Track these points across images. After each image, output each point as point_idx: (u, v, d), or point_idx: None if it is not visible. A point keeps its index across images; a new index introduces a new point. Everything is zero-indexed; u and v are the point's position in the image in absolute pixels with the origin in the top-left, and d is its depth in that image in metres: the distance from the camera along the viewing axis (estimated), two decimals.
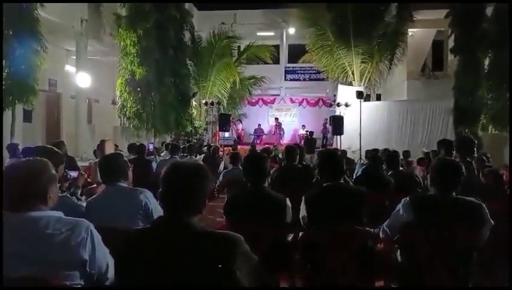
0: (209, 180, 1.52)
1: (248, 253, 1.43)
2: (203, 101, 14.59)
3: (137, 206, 2.47)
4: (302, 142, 15.20)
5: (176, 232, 1.39)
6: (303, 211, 2.62)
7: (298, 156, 4.63)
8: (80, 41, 11.41)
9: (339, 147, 11.64)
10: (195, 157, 7.69)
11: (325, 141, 17.15)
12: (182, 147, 8.37)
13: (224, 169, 6.27)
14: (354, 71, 14.19)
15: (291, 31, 18.80)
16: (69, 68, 12.49)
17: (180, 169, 1.47)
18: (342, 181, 2.61)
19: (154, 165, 6.08)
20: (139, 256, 1.38)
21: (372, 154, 4.68)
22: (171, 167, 1.48)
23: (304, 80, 20.12)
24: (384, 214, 2.54)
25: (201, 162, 5.55)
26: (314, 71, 18.78)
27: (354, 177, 4.99)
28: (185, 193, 1.43)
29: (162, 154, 8.42)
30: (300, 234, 2.50)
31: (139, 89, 11.51)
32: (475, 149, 4.02)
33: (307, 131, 16.22)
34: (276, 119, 18.04)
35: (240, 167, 4.58)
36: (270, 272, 2.14)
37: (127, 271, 1.40)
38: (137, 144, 7.24)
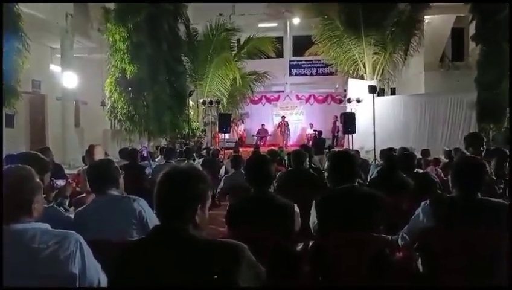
0: (209, 185, 1.52)
1: (253, 263, 1.43)
2: (201, 100, 14.64)
3: (130, 216, 2.48)
4: (310, 142, 15.25)
5: (175, 242, 1.39)
6: (313, 218, 2.62)
7: (306, 158, 4.62)
8: (65, 38, 11.45)
9: (350, 147, 11.60)
10: (193, 161, 7.70)
11: (335, 141, 17.14)
12: (178, 151, 8.41)
13: (225, 174, 6.28)
14: (366, 63, 14.17)
15: (296, 21, 18.81)
16: (54, 68, 12.56)
17: (178, 174, 1.48)
18: (356, 184, 2.61)
19: (148, 171, 6.10)
20: (136, 270, 1.39)
21: (388, 154, 4.66)
22: (167, 172, 1.49)
23: (311, 74, 20.14)
24: (403, 219, 2.53)
25: (200, 167, 5.53)
26: (321, 65, 18.79)
27: (368, 180, 4.98)
28: (183, 200, 1.43)
29: (156, 159, 8.44)
30: (311, 242, 2.50)
31: (130, 88, 11.56)
32: (484, 145, 3.99)
33: (315, 130, 16.22)
34: (283, 117, 17.99)
35: (243, 171, 4.60)
36: (277, 284, 2.14)
37: (124, 286, 1.40)
38: (130, 148, 7.26)
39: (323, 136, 14.78)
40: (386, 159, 4.45)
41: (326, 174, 2.84)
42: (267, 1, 16.76)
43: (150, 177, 5.91)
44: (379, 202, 2.52)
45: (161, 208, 1.46)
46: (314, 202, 2.62)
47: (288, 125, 17.98)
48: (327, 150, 11.98)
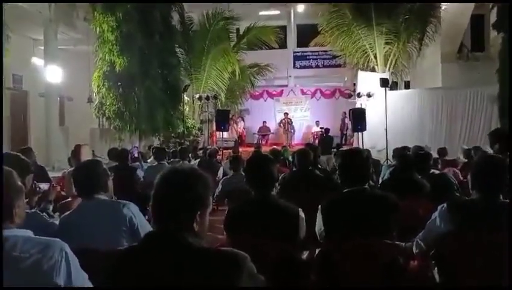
0: (210, 189, 1.53)
1: (254, 274, 1.43)
2: (197, 96, 14.63)
3: (120, 222, 2.49)
4: (316, 141, 15.25)
5: (170, 251, 1.39)
6: (319, 224, 2.62)
7: (313, 158, 4.62)
8: (49, 29, 11.47)
9: (360, 146, 11.59)
10: (189, 162, 7.71)
11: (343, 139, 17.14)
12: (172, 150, 8.42)
13: (223, 176, 6.29)
14: (377, 54, 14.16)
15: (300, 8, 18.82)
16: (37, 61, 12.58)
17: (177, 176, 1.48)
18: (366, 187, 2.61)
19: (139, 173, 6.11)
20: (128, 281, 1.39)
21: (401, 154, 4.66)
22: (165, 173, 1.50)
23: (317, 66, 20.14)
24: (418, 224, 2.53)
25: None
26: (328, 56, 18.78)
27: (380, 182, 4.98)
28: (182, 204, 1.43)
29: (148, 160, 8.46)
30: (317, 250, 2.50)
31: (119, 83, 11.56)
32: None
33: (321, 128, 16.24)
34: (286, 114, 18.04)
35: (242, 172, 4.60)
36: None
37: None
38: (119, 148, 7.27)
39: (330, 134, 14.78)
40: (400, 158, 4.44)
41: (337, 174, 2.84)
42: (267, 1, 16.76)
43: (141, 179, 5.91)
44: (392, 205, 2.52)
45: (157, 212, 1.46)
46: (320, 206, 2.62)
47: (292, 122, 18.01)
48: (335, 150, 11.99)
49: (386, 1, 13.51)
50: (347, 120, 16.31)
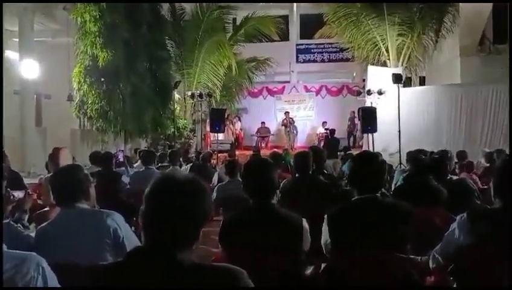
0: (209, 199, 1.53)
1: None
2: (189, 93, 14.64)
3: (103, 235, 2.48)
4: (322, 143, 15.24)
5: (160, 268, 1.39)
6: (325, 235, 2.62)
7: (317, 162, 4.62)
8: (24, 18, 11.49)
9: (371, 149, 11.60)
10: (180, 167, 7.70)
11: (352, 141, 17.13)
12: (161, 154, 8.41)
13: (218, 182, 6.29)
14: (389, 47, 14.20)
15: None
16: (11, 54, 12.58)
17: (171, 184, 1.48)
18: (377, 195, 2.61)
19: (125, 179, 6.10)
20: None
21: (416, 158, 4.65)
22: (159, 181, 1.49)
23: (322, 61, 20.18)
24: (435, 236, 2.53)
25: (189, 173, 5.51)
26: (335, 49, 18.81)
27: (392, 189, 4.97)
28: (178, 217, 1.43)
29: (135, 164, 8.46)
30: (323, 265, 2.49)
31: (103, 79, 11.58)
32: None
33: (326, 129, 16.23)
34: (287, 113, 17.97)
35: (239, 178, 4.59)
36: None
37: None
38: (103, 152, 7.26)
39: (337, 135, 14.77)
40: (414, 163, 4.45)
41: (344, 180, 2.85)
42: (267, 1, 16.80)
43: (127, 187, 5.91)
44: (405, 215, 2.52)
45: (148, 225, 1.46)
46: (326, 216, 2.62)
47: (294, 122, 17.97)
48: (342, 153, 11.99)
49: (390, 1, 13.62)
50: (356, 120, 16.30)
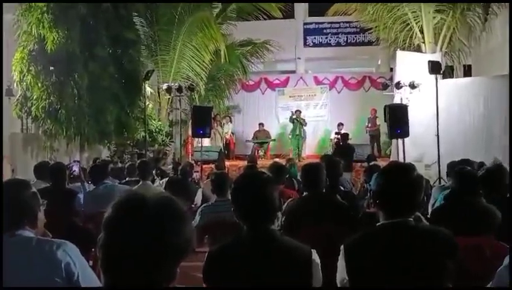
0: (189, 225, 1.54)
1: None
2: (164, 86, 14.64)
3: (52, 271, 2.47)
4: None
5: None
6: (342, 272, 2.61)
7: (332, 177, 4.62)
8: None
9: (400, 159, 11.61)
10: (153, 183, 7.67)
11: (375, 147, 17.02)
12: (129, 165, 8.39)
13: (202, 203, 6.27)
14: (424, 28, 14.26)
15: None
16: None
17: (139, 206, 1.47)
18: (410, 219, 2.61)
19: (81, 198, 6.08)
20: None
21: (461, 170, 4.66)
22: (122, 201, 1.49)
23: (338, 44, 20.25)
24: (485, 271, 2.52)
25: (165, 191, 5.47)
26: (354, 30, 18.93)
27: (430, 210, 4.96)
28: (146, 249, 1.43)
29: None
30: None
31: (52, 67, 11.55)
32: None
33: (337, 133, 16.20)
34: (298, 112, 17.41)
35: (230, 197, 4.59)
36: None
37: None
38: (52, 162, 7.21)
39: (358, 141, 14.74)
40: (459, 177, 4.44)
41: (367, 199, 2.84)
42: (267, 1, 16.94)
43: (83, 208, 5.89)
44: (447, 245, 2.51)
45: (108, 260, 1.46)
46: (343, 246, 2.61)
47: (305, 124, 17.71)
48: (367, 163, 11.93)
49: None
50: (377, 121, 16.33)
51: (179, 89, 14.31)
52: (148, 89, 14.22)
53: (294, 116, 16.91)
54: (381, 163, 10.07)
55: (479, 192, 4.22)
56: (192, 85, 14.83)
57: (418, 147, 12.35)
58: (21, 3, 11.35)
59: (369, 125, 17.49)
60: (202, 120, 13.10)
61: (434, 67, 12.08)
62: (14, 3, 7.77)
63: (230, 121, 18.76)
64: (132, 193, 1.55)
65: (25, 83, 11.66)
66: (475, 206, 4.01)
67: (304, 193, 4.60)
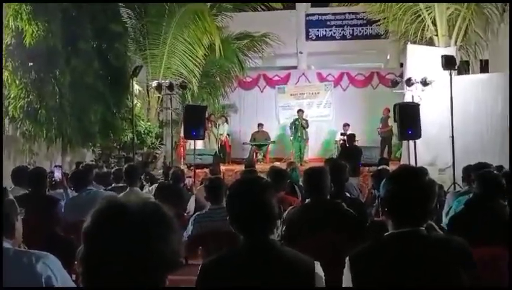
0: (178, 235, 1.54)
1: None
2: (154, 84, 14.64)
3: (32, 284, 2.46)
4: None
5: None
6: (347, 285, 2.61)
7: (337, 182, 4.61)
8: None
9: (412, 162, 11.61)
10: (141, 189, 7.67)
11: (387, 150, 17.01)
12: (115, 170, 8.38)
13: (195, 211, 6.27)
14: (437, 19, 14.27)
15: None
16: None
17: (121, 214, 1.47)
18: (422, 228, 2.61)
19: (63, 205, 6.08)
20: None
21: (480, 175, 4.66)
22: (103, 208, 1.49)
23: (343, 37, 20.26)
24: (507, 285, 2.52)
25: (154, 199, 5.45)
26: (360, 22, 18.95)
27: (444, 218, 4.96)
28: (130, 261, 1.43)
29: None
30: None
31: (31, 63, 11.54)
32: None
33: (342, 134, 16.16)
34: (300, 112, 17.34)
35: (225, 205, 4.58)
36: None
37: None
38: (32, 167, 7.21)
39: (367, 143, 14.72)
40: (480, 181, 4.44)
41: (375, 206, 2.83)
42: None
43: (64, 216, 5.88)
44: (463, 257, 2.52)
45: (89, 273, 1.46)
46: (349, 258, 2.61)
47: (308, 125, 17.71)
48: (378, 166, 11.91)
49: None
50: (389, 122, 16.30)
51: (170, 87, 14.30)
52: (136, 87, 14.21)
53: (296, 120, 17.01)
54: (391, 167, 10.08)
55: (503, 198, 4.22)
56: (184, 82, 14.77)
57: (430, 150, 12.36)
58: None
59: (381, 126, 17.49)
60: (195, 120, 13.08)
61: (448, 63, 12.08)
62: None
63: (226, 122, 18.75)
64: (112, 199, 1.54)
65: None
66: (494, 214, 4.01)
67: (307, 200, 4.60)
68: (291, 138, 17.37)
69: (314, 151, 18.11)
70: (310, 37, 20.30)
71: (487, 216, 3.95)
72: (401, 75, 14.96)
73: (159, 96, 15.18)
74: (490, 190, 4.20)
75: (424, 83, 13.02)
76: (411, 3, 14.35)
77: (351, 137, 14.37)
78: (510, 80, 10.28)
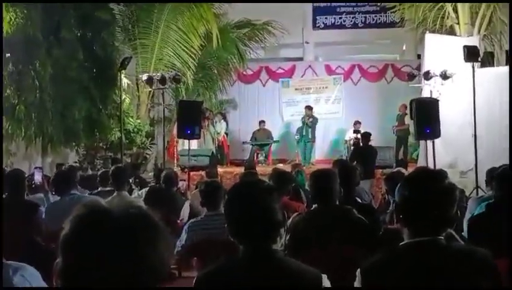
0: (169, 244, 1.56)
1: None
2: (144, 77, 14.64)
3: None
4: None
5: None
6: None
7: (347, 186, 4.62)
8: None
9: (430, 164, 11.61)
10: (130, 194, 7.67)
11: (402, 151, 16.98)
12: (101, 173, 8.40)
13: (189, 218, 6.26)
14: (458, 5, 14.27)
15: None
16: None
17: (103, 221, 1.47)
18: (440, 237, 2.61)
19: (43, 211, 6.08)
20: None
21: (498, 175, 4.66)
22: (83, 214, 1.48)
23: (354, 26, 20.25)
24: None
25: (143, 205, 5.45)
26: (373, 8, 19.01)
27: (466, 226, 4.96)
28: (113, 274, 1.43)
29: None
30: None
31: (8, 54, 11.56)
32: None
33: (355, 132, 16.12)
34: (309, 108, 17.33)
35: (223, 211, 4.59)
36: None
37: None
38: (9, 169, 7.22)
39: (382, 143, 14.72)
40: (502, 186, 4.44)
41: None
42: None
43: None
44: (484, 266, 2.52)
45: (68, 287, 1.47)
46: (360, 270, 2.61)
47: (316, 122, 17.66)
48: (388, 170, 11.92)
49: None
50: (406, 119, 16.29)
51: (162, 80, 14.30)
52: (125, 80, 14.22)
53: (303, 116, 17.03)
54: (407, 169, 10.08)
55: None
56: (178, 75, 14.79)
57: (451, 150, 12.36)
58: None
59: (397, 124, 17.34)
60: (190, 118, 13.09)
61: (470, 54, 12.06)
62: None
63: (224, 119, 18.76)
64: (92, 203, 1.53)
65: None
66: None
67: (313, 206, 4.60)
68: (297, 137, 17.35)
69: (321, 152, 18.13)
70: (317, 25, 20.27)
71: (507, 224, 3.95)
72: (419, 68, 14.97)
73: (149, 91, 15.21)
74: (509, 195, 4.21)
75: (444, 76, 13.02)
76: None
77: (366, 136, 14.16)
78: (510, 81, 10.46)
